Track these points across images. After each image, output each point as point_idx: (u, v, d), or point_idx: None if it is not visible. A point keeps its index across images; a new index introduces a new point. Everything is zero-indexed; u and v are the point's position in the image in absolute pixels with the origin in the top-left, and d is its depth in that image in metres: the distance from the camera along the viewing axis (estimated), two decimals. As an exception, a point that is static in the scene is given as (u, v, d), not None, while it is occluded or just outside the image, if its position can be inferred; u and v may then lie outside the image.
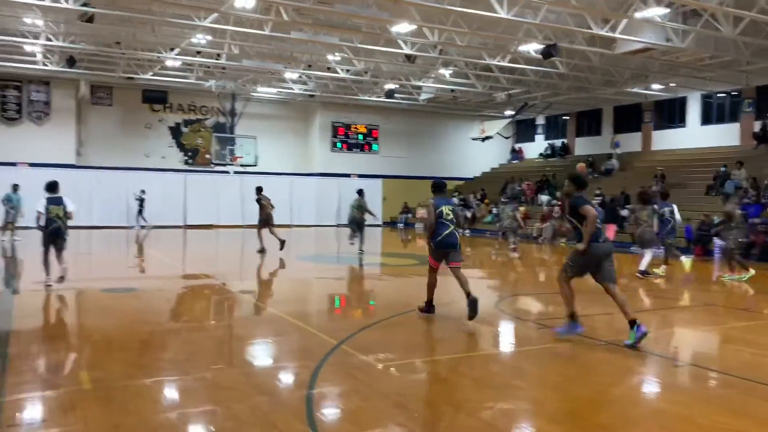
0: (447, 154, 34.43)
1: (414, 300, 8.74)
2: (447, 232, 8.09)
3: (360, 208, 16.60)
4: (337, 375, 5.74)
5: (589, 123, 32.07)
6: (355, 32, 19.03)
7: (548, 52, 17.74)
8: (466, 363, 6.50)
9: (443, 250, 8.15)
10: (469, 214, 27.85)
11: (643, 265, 12.61)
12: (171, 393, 5.38)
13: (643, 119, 28.81)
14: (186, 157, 29.77)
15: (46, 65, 23.61)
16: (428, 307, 8.33)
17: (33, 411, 4.81)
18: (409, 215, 31.75)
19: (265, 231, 16.58)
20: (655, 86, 25.32)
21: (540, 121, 34.80)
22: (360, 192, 16.82)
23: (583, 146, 31.48)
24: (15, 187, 19.78)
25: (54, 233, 10.00)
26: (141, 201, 25.56)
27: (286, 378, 5.86)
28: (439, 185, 8.54)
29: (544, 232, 23.36)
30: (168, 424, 4.55)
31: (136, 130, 28.76)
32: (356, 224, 16.68)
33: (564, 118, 33.36)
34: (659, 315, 9.39)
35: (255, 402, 4.93)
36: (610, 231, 20.08)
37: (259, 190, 16.75)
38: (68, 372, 5.99)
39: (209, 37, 20.12)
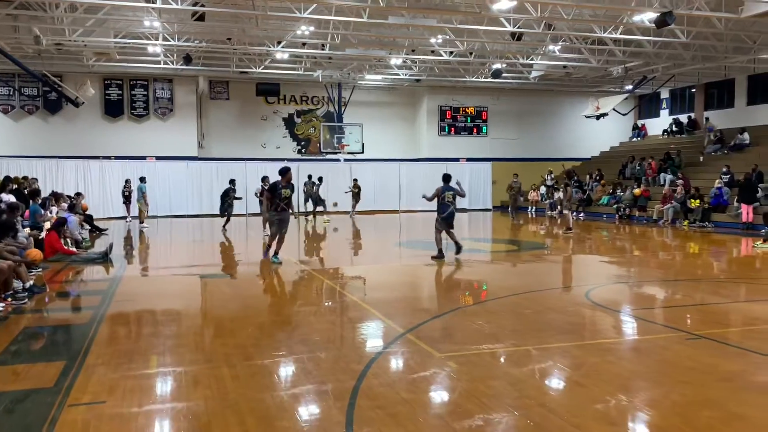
0: (561, 134, 33.03)
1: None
2: (448, 210, 12.49)
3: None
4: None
5: (720, 94, 29.43)
6: (453, 13, 18.59)
7: (663, 21, 16.35)
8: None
9: (446, 221, 12.53)
10: (584, 196, 26.61)
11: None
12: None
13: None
14: (299, 147, 30.67)
15: (168, 64, 25.17)
16: (440, 255, 12.42)
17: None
18: (521, 198, 30.71)
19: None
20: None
21: (665, 94, 32.41)
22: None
23: (713, 120, 28.75)
24: (142, 179, 21.71)
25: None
26: (127, 194, 23.52)
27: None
28: (445, 176, 12.65)
29: (665, 214, 21.77)
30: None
31: (253, 122, 29.98)
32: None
33: (691, 90, 30.84)
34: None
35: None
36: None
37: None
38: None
39: (312, 28, 20.49)
